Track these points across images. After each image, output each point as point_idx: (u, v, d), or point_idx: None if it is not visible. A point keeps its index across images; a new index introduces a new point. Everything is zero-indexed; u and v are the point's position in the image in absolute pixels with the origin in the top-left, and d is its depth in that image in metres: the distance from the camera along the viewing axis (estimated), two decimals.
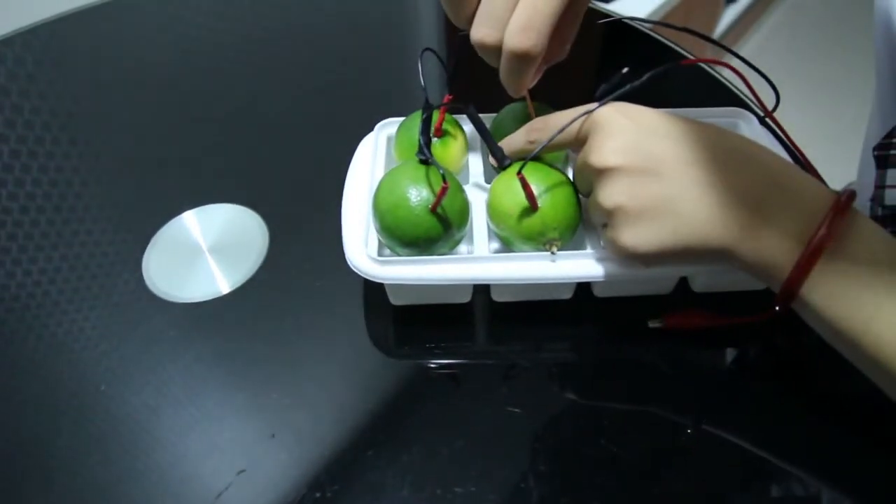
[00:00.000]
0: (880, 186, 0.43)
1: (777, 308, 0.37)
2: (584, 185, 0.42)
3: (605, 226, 0.41)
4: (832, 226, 0.33)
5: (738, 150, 0.37)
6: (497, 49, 0.38)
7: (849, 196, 0.34)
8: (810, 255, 0.33)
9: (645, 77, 0.39)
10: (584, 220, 0.44)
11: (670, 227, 0.36)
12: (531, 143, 0.42)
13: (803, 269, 0.34)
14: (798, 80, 2.03)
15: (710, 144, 0.37)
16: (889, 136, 0.42)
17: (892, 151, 0.42)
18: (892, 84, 0.47)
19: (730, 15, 2.03)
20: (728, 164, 0.37)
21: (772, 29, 2.30)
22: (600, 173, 0.38)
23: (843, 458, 0.40)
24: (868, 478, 0.39)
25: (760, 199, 0.35)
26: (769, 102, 0.44)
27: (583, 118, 0.40)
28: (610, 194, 0.38)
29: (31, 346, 0.47)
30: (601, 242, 0.43)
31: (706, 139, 0.38)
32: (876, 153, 0.43)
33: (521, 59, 0.37)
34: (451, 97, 0.45)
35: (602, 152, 0.38)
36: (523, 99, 0.45)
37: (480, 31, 0.38)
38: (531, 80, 0.41)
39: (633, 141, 0.38)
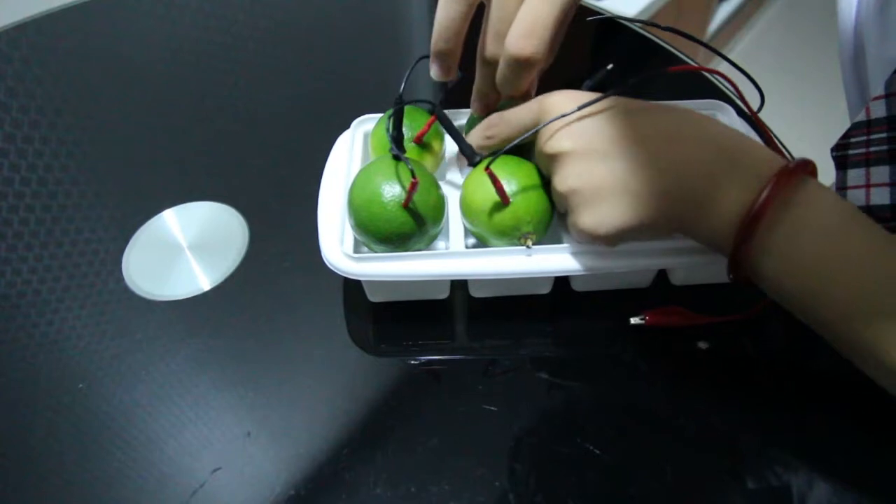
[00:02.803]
0: (841, 188, 0.42)
1: (731, 277, 0.37)
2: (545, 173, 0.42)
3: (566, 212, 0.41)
4: (774, 191, 0.33)
5: (688, 125, 0.37)
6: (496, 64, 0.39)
7: (798, 164, 0.34)
8: (751, 221, 0.34)
9: (630, 83, 0.38)
10: (558, 213, 0.43)
11: (625, 205, 0.37)
12: (488, 138, 0.42)
13: (744, 234, 0.34)
14: (792, 78, 2.01)
15: (661, 121, 0.38)
16: (846, 136, 0.42)
17: (850, 151, 0.41)
18: (856, 85, 0.47)
19: (723, 12, 2.00)
20: (679, 139, 0.37)
21: (765, 26, 2.28)
22: (553, 159, 0.39)
23: (827, 454, 0.40)
24: (854, 469, 0.39)
25: (712, 172, 0.36)
26: (756, 102, 0.43)
27: (533, 107, 0.40)
28: (564, 178, 0.38)
29: (8, 345, 0.47)
30: (569, 230, 0.42)
31: (655, 116, 0.38)
32: (834, 154, 0.42)
33: (522, 64, 0.38)
34: (434, 117, 0.45)
35: (552, 138, 0.38)
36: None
37: (490, 49, 0.40)
38: (527, 85, 0.41)
39: (582, 124, 0.38)
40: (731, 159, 0.36)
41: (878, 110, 0.40)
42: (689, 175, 0.36)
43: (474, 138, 0.43)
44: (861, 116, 0.41)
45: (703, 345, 0.44)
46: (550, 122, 0.39)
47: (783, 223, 0.34)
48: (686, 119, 0.38)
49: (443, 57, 0.42)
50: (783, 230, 0.34)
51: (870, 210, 0.41)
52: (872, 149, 0.40)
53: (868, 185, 0.41)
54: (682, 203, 0.36)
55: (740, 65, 0.44)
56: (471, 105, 0.45)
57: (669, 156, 0.36)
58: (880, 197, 0.40)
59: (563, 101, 0.39)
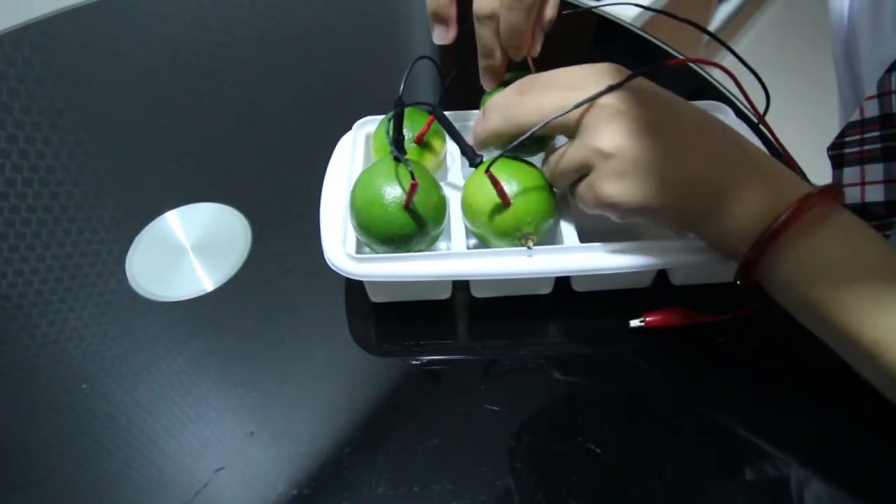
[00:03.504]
0: (838, 186, 0.43)
1: (737, 282, 0.38)
2: (561, 130, 0.40)
3: (578, 181, 0.40)
4: (796, 211, 0.34)
5: (715, 122, 0.38)
6: (497, 18, 0.40)
7: (824, 190, 0.35)
8: (771, 235, 0.34)
9: (631, 75, 0.38)
10: (559, 214, 0.44)
11: (652, 185, 0.37)
12: (522, 93, 0.40)
13: (763, 245, 0.35)
14: (791, 78, 2.01)
15: (694, 112, 0.38)
16: (841, 135, 0.42)
17: (846, 150, 0.42)
18: (850, 85, 0.47)
19: (722, 13, 1.99)
20: (709, 134, 0.37)
21: (765, 26, 2.27)
22: (604, 118, 0.37)
23: (827, 453, 0.40)
24: (854, 469, 0.39)
25: (736, 172, 0.36)
26: (760, 101, 0.43)
27: (578, 68, 0.40)
28: (614, 135, 0.36)
29: (10, 345, 0.47)
30: (579, 194, 0.40)
31: (689, 106, 0.39)
32: (831, 153, 0.43)
33: (522, 1, 0.38)
34: (433, 117, 0.45)
35: (609, 98, 0.37)
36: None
37: (485, 4, 0.40)
38: (530, 34, 0.41)
39: (643, 95, 0.37)
40: (753, 165, 0.36)
41: (872, 110, 0.40)
42: (715, 170, 0.36)
43: (505, 96, 0.41)
44: (855, 116, 0.41)
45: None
46: (593, 97, 0.37)
47: (801, 243, 0.34)
48: (711, 116, 0.39)
49: (438, 17, 0.42)
50: (801, 247, 0.34)
51: (864, 207, 0.41)
52: (866, 147, 0.41)
53: (863, 183, 0.41)
54: (702, 196, 0.37)
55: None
56: (480, 79, 0.45)
57: (701, 147, 0.37)
58: (874, 194, 0.41)
59: (611, 70, 0.39)
